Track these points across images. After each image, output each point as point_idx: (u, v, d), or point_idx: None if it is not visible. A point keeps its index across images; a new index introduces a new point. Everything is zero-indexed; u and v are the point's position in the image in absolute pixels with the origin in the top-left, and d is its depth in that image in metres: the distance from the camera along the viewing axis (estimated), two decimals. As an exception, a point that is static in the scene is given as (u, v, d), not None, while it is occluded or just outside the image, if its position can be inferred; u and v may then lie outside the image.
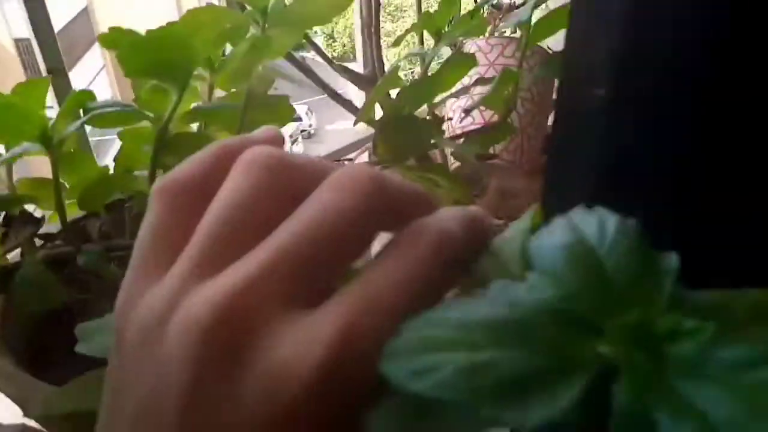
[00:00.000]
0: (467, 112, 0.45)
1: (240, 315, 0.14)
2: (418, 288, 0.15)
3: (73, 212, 0.49)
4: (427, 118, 0.46)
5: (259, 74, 0.48)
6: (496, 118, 0.56)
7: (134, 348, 0.15)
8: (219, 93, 0.48)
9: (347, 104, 0.56)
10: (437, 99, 0.50)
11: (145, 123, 0.43)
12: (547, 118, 0.65)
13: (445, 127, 0.53)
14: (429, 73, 0.46)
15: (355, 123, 0.47)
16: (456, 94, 0.49)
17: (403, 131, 0.44)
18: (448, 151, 0.62)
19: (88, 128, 0.60)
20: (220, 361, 0.14)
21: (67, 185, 0.40)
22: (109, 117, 0.35)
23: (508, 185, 0.57)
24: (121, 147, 0.48)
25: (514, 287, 0.14)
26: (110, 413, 0.16)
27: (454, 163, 0.55)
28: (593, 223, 0.14)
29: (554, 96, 0.67)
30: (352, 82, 0.57)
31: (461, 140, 0.47)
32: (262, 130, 0.20)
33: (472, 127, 0.51)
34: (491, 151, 0.57)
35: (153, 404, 0.14)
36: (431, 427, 0.13)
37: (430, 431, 0.13)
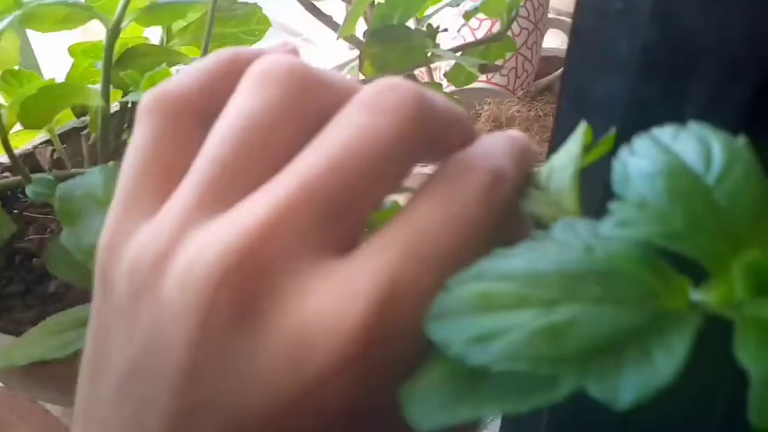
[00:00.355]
0: (467, 16, 0.41)
1: (259, 260, 0.11)
2: (469, 235, 0.12)
3: (20, 146, 0.44)
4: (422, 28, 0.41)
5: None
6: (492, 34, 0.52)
7: (124, 295, 0.12)
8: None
9: (327, 19, 0.50)
10: (430, 10, 0.45)
11: (99, 36, 0.37)
12: (543, 37, 0.61)
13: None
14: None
15: (338, 38, 0.42)
16: (450, 4, 0.44)
17: (394, 42, 0.40)
18: (437, 74, 0.58)
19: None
20: (234, 316, 0.11)
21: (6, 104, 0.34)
22: (49, 15, 0.30)
23: (503, 111, 0.54)
24: (73, 64, 0.43)
25: (586, 226, 0.12)
26: (95, 371, 0.13)
27: (446, 87, 0.51)
28: (693, 145, 0.11)
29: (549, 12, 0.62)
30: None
31: (458, 53, 0.43)
32: (279, 43, 0.16)
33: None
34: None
35: (148, 363, 0.12)
36: (486, 403, 0.10)
37: (484, 409, 0.10)
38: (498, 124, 0.52)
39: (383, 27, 0.40)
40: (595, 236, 0.11)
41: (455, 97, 0.52)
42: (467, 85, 0.47)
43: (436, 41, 0.43)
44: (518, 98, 0.57)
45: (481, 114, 0.54)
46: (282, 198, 0.12)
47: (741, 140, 0.11)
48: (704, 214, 0.11)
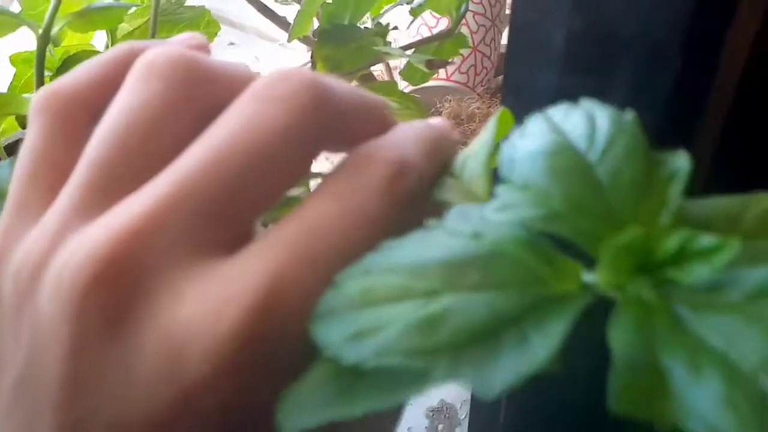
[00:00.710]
0: (414, 13, 0.41)
1: (130, 265, 0.11)
2: (366, 230, 0.12)
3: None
4: (369, 26, 0.41)
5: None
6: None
7: (10, 302, 0.12)
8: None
9: (279, 20, 0.50)
10: (384, 8, 0.45)
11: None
12: (502, 33, 0.61)
13: (391, 39, 0.48)
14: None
15: (289, 39, 0.41)
16: (401, 2, 0.44)
17: (345, 42, 0.39)
18: (396, 73, 0.57)
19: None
20: (105, 323, 0.11)
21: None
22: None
23: (463, 109, 0.54)
24: (15, 74, 0.42)
25: (477, 212, 0.11)
26: None
27: (406, 87, 0.51)
28: (580, 121, 0.11)
29: (508, 5, 0.62)
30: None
31: (410, 51, 0.43)
32: (183, 35, 0.16)
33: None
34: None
35: (33, 373, 0.11)
36: (360, 400, 0.10)
37: (357, 406, 0.10)
38: (459, 121, 0.52)
39: (333, 27, 0.40)
40: (484, 222, 0.11)
41: (416, 95, 0.51)
42: (423, 82, 0.47)
43: (390, 39, 0.42)
44: (478, 95, 0.57)
45: (442, 111, 0.54)
46: (157, 197, 0.11)
47: (628, 115, 0.11)
48: (584, 194, 0.10)
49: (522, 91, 0.28)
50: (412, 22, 0.44)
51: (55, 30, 0.30)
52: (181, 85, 0.13)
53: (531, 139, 0.11)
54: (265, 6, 0.49)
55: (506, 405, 0.28)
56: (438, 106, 0.55)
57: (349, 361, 0.09)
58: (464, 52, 0.55)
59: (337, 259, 0.11)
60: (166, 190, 0.11)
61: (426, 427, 0.52)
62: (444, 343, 0.09)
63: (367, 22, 0.47)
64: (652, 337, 0.09)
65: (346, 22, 0.40)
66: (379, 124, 0.14)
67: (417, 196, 0.13)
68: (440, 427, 0.53)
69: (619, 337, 0.09)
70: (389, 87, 0.42)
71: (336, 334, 0.10)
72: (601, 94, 0.21)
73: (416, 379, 0.09)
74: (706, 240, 0.09)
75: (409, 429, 0.51)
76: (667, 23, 0.18)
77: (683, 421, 0.08)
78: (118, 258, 0.11)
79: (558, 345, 0.09)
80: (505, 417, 0.28)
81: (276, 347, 0.11)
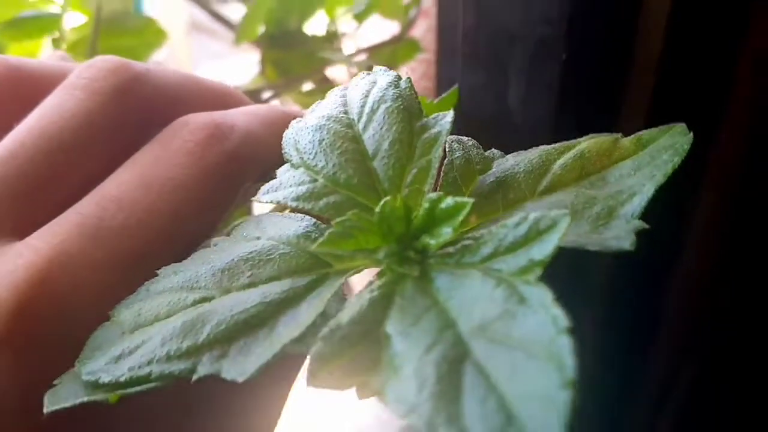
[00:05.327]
0: (359, 18, 0.41)
1: None
2: (173, 199, 0.12)
3: None
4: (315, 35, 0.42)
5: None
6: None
7: None
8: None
9: (227, 23, 0.51)
10: (339, 12, 0.45)
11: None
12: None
13: (352, 44, 0.48)
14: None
15: (237, 42, 0.42)
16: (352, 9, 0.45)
17: (292, 48, 0.40)
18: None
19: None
20: None
21: None
22: None
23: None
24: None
25: (271, 216, 0.12)
26: None
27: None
28: (361, 89, 0.11)
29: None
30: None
31: (363, 57, 0.43)
32: (50, 53, 0.17)
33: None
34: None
35: None
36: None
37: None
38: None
39: (281, 33, 0.41)
40: (273, 222, 0.11)
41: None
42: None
43: (339, 45, 0.43)
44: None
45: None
46: None
47: (406, 78, 0.11)
48: (349, 165, 0.10)
49: (446, 87, 0.28)
50: (357, 28, 0.45)
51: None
52: None
53: (317, 113, 0.11)
54: (216, 13, 0.49)
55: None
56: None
57: (104, 381, 0.09)
58: (428, 56, 0.55)
59: (132, 230, 0.11)
60: None
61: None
62: (208, 339, 0.09)
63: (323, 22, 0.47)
64: (386, 307, 0.08)
65: (291, 26, 0.40)
66: (218, 104, 0.14)
67: (246, 163, 0.13)
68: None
69: (347, 312, 0.08)
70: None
71: (98, 364, 0.10)
72: (498, 88, 0.21)
73: (184, 372, 0.09)
74: (447, 202, 0.09)
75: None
76: (551, 19, 0.18)
77: (384, 390, 0.07)
78: None
79: (319, 312, 0.09)
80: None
81: (58, 316, 0.11)
